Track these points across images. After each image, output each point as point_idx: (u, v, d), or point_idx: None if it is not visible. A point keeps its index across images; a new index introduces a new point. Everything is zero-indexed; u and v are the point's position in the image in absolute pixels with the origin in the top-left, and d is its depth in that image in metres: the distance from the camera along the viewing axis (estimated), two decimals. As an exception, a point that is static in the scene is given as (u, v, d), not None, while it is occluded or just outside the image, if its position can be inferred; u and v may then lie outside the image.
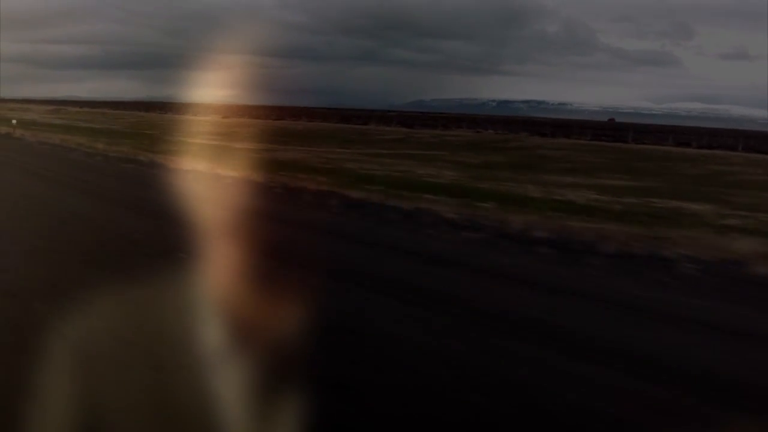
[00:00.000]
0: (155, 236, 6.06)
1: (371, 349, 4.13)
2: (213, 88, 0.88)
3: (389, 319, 4.89)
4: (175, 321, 0.85)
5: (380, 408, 3.25)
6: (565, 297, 5.78)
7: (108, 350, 0.83)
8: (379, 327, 4.67)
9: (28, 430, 0.85)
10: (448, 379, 3.76)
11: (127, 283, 0.89)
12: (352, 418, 2.89)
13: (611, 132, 41.78)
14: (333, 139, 30.35)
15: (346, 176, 14.59)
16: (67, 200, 10.18)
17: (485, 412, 3.33)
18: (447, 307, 5.24)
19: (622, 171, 19.41)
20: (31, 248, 6.49)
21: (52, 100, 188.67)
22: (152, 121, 43.10)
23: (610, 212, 10.18)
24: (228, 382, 0.83)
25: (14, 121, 25.10)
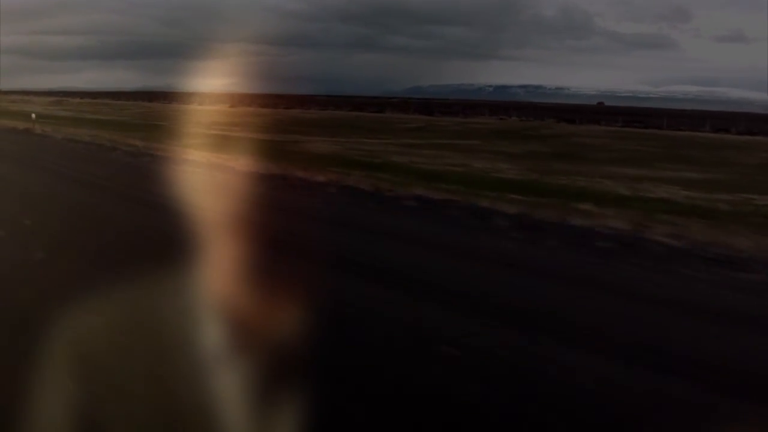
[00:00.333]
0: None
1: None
2: (210, 77, 0.87)
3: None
4: None
5: None
6: None
7: None
8: None
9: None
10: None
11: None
12: None
13: (641, 118, 40.76)
14: (354, 129, 29.43)
15: (403, 172, 13.68)
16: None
17: None
18: None
19: (678, 161, 18.50)
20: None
21: (49, 91, 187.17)
22: (161, 112, 41.96)
23: (726, 214, 9.30)
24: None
25: (33, 116, 23.61)
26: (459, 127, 32.58)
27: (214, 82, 0.86)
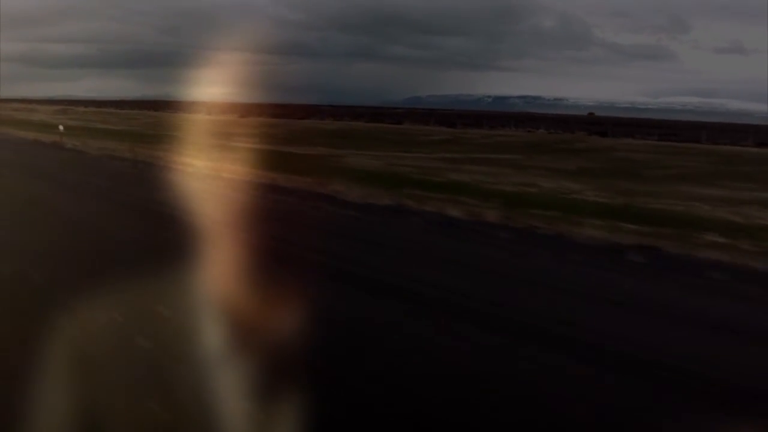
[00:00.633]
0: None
1: None
2: (210, 86, 0.84)
3: None
4: None
5: None
6: None
7: None
8: None
9: None
10: None
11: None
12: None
13: (674, 131, 39.85)
14: (379, 141, 28.52)
15: (481, 195, 12.46)
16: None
17: None
18: None
19: (741, 179, 17.59)
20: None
21: (49, 99, 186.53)
22: (171, 122, 40.83)
23: None
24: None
25: (61, 128, 22.15)
26: (488, 140, 31.65)
27: (213, 91, 0.82)
